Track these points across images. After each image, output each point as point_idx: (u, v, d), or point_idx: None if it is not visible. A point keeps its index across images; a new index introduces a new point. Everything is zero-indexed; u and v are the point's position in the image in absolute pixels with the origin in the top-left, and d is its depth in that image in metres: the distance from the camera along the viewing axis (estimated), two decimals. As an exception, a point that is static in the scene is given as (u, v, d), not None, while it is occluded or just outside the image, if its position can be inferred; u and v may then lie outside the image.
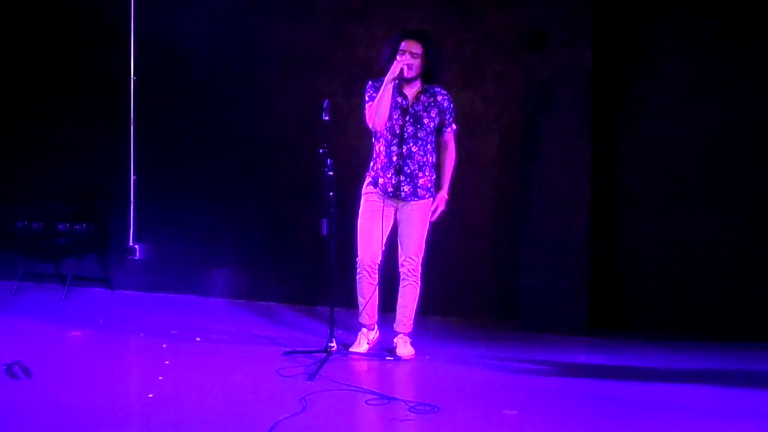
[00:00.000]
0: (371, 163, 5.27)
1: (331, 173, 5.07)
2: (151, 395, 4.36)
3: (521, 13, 5.99)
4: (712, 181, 5.80)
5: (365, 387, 4.49)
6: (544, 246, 5.87)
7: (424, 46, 5.10)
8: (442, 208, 5.24)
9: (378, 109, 5.06)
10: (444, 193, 5.25)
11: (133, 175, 7.21)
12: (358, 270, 5.22)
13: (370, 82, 5.19)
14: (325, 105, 5.18)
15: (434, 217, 5.25)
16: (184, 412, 4.10)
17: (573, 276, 5.81)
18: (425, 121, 5.13)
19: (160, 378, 4.67)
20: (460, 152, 6.22)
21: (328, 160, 5.04)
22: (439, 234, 6.28)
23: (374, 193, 5.19)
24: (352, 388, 4.49)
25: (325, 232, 5.07)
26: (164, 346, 5.38)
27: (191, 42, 7.03)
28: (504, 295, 6.22)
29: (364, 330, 5.31)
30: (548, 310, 5.88)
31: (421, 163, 5.14)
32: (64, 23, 7.48)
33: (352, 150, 6.31)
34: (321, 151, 5.04)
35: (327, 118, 5.14)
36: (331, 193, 5.10)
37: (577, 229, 5.80)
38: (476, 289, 6.32)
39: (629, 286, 6.02)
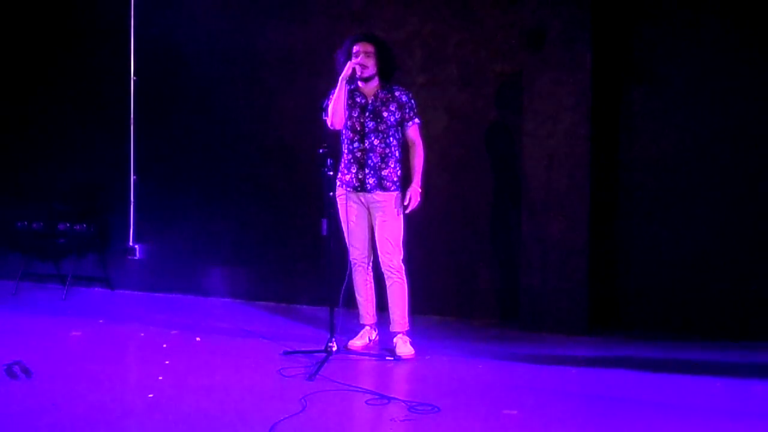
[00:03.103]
0: (339, 165, 5.29)
1: (331, 173, 5.08)
2: (151, 395, 4.36)
3: (521, 13, 5.99)
4: (711, 181, 5.80)
5: (365, 387, 4.50)
6: (543, 246, 5.87)
7: (376, 45, 5.21)
8: (416, 199, 5.19)
9: (334, 107, 5.14)
10: (416, 186, 5.19)
11: (133, 175, 7.21)
12: (351, 265, 5.30)
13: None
14: (325, 105, 5.20)
15: (409, 210, 5.22)
16: (184, 412, 4.10)
17: (573, 276, 5.81)
18: (384, 115, 5.18)
19: (160, 378, 4.67)
20: (461, 151, 6.25)
21: (328, 160, 5.04)
22: (439, 234, 6.29)
23: (344, 195, 5.24)
24: (352, 388, 4.49)
25: (325, 232, 5.08)
26: (164, 346, 5.38)
27: (191, 42, 7.04)
28: (504, 295, 6.22)
29: (367, 328, 5.43)
30: (548, 310, 5.88)
31: (383, 155, 5.18)
32: (65, 23, 7.49)
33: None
34: (321, 151, 5.04)
35: (327, 118, 5.17)
36: (331, 193, 5.13)
37: (577, 229, 5.80)
38: (476, 288, 6.31)
39: (629, 286, 6.01)
